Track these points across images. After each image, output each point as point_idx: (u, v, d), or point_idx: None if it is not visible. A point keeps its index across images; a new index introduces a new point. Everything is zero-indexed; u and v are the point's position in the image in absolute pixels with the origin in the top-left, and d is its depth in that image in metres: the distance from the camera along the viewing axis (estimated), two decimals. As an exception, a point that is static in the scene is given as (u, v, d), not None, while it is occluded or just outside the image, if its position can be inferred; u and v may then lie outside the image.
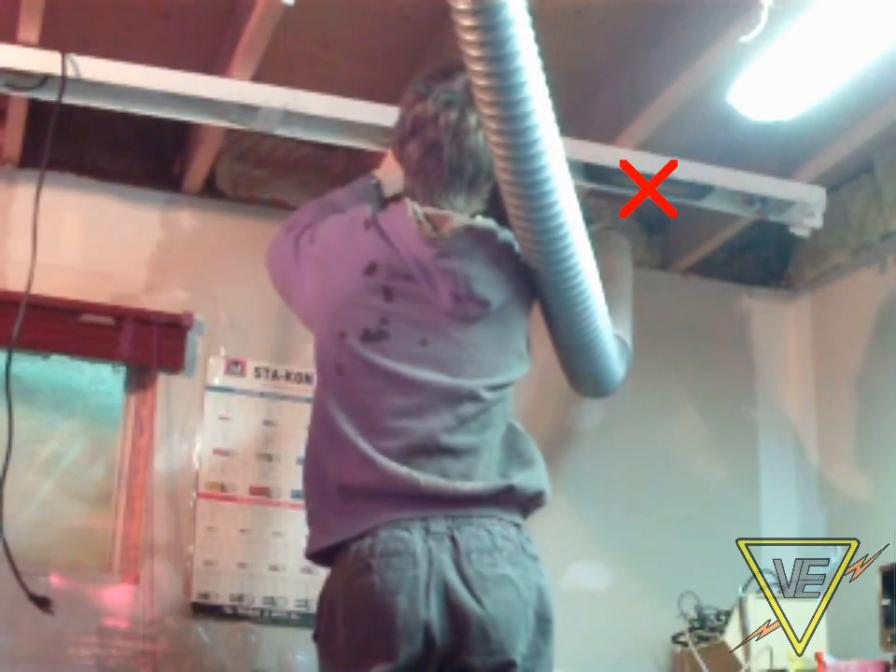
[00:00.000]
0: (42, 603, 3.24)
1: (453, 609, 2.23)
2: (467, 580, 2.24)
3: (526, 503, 2.48)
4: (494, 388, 2.43)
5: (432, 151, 2.42)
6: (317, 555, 2.42)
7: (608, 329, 3.00)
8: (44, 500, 3.86)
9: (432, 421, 2.33)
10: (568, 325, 2.71)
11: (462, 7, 2.03)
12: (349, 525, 2.30)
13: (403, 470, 2.28)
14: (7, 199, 3.86)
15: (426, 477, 2.29)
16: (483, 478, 2.38)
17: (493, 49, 2.06)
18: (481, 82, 2.13)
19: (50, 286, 3.72)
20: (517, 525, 2.42)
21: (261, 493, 3.96)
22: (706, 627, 3.76)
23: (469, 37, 2.06)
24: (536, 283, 2.54)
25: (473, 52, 2.09)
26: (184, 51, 3.62)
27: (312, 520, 2.43)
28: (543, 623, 2.36)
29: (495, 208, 2.53)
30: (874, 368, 4.23)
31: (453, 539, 2.27)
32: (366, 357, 2.35)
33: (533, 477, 2.49)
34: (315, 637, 2.42)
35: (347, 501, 2.32)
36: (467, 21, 2.05)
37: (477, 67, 2.11)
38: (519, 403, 4.28)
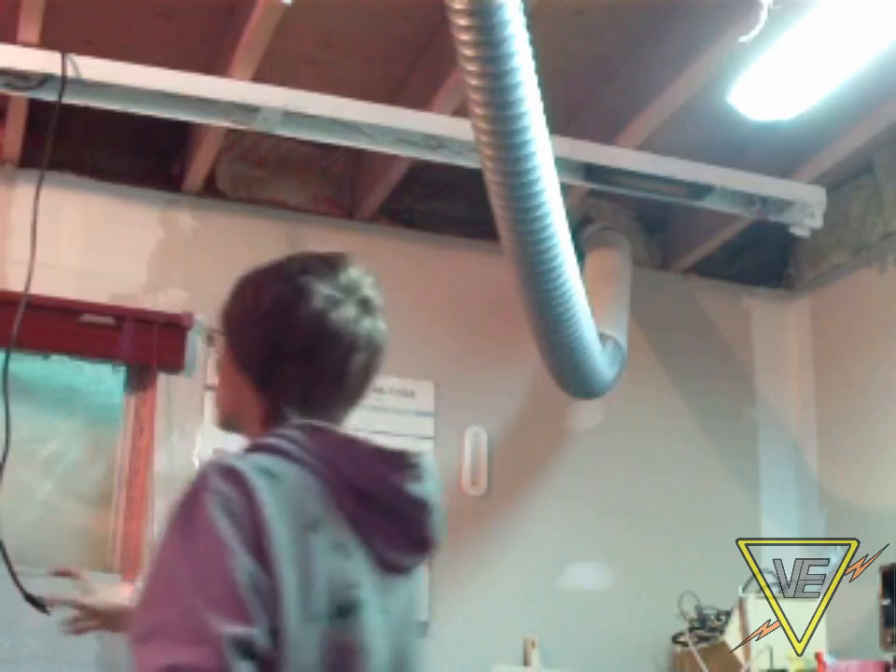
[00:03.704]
0: (38, 603, 3.24)
1: None
2: None
3: None
4: None
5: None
6: None
7: (591, 330, 3.01)
8: (44, 500, 3.86)
9: None
10: (551, 324, 2.71)
11: (458, 7, 2.03)
12: None
13: None
14: (7, 199, 3.87)
15: None
16: None
17: (488, 49, 2.06)
18: (474, 82, 2.13)
19: (50, 286, 3.72)
20: None
21: (261, 493, 3.95)
22: (706, 627, 3.76)
23: (465, 37, 2.06)
24: (518, 285, 2.53)
25: (468, 52, 2.09)
26: (184, 51, 3.62)
27: None
28: None
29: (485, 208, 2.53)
30: (873, 367, 4.22)
31: None
32: None
33: None
34: None
35: None
36: (463, 21, 2.05)
37: (471, 67, 2.11)
38: (518, 403, 4.32)
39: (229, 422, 1.91)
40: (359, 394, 1.82)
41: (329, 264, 1.81)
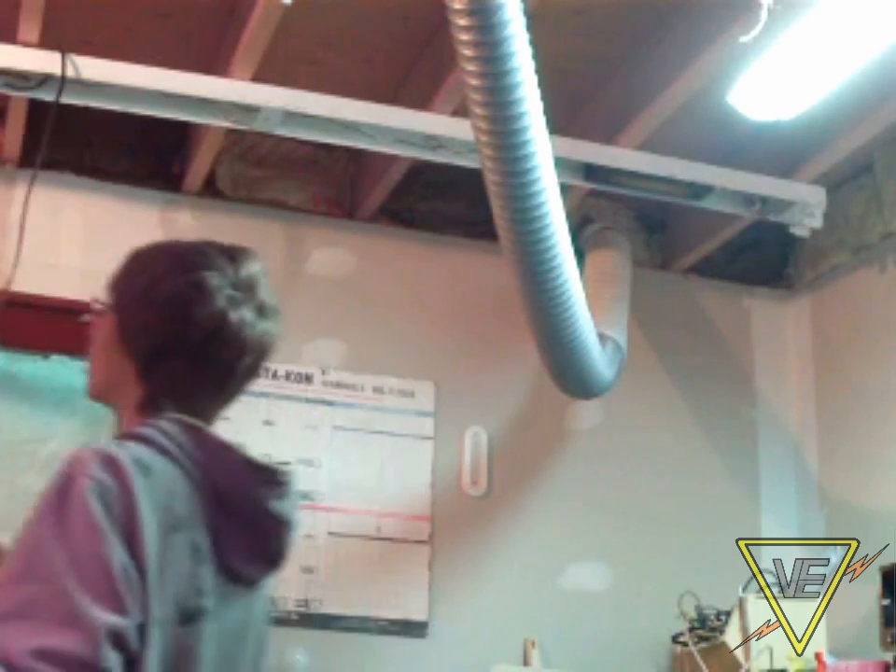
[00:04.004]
0: None
1: None
2: None
3: None
4: None
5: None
6: None
7: (590, 330, 3.01)
8: (44, 500, 3.86)
9: None
10: (550, 324, 2.71)
11: (458, 7, 2.03)
12: None
13: None
14: (7, 199, 3.86)
15: None
16: None
17: (488, 49, 2.05)
18: (474, 82, 2.13)
19: (50, 286, 3.72)
20: None
21: (261, 493, 3.95)
22: (706, 627, 3.76)
23: (465, 37, 2.06)
24: (518, 285, 2.52)
25: (468, 52, 2.09)
26: (184, 51, 3.62)
27: None
28: None
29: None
30: (873, 368, 4.22)
31: None
32: None
33: None
34: None
35: None
36: (463, 21, 2.05)
37: (471, 67, 2.11)
38: (518, 403, 4.32)
39: (101, 394, 1.86)
40: (238, 393, 1.80)
41: (231, 259, 1.76)
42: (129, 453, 1.60)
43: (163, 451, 1.65)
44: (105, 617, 1.48)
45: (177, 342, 1.70)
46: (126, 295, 1.76)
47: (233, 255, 1.77)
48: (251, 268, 1.76)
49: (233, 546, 1.69)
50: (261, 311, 1.76)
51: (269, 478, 1.74)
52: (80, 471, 1.56)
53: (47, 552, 1.52)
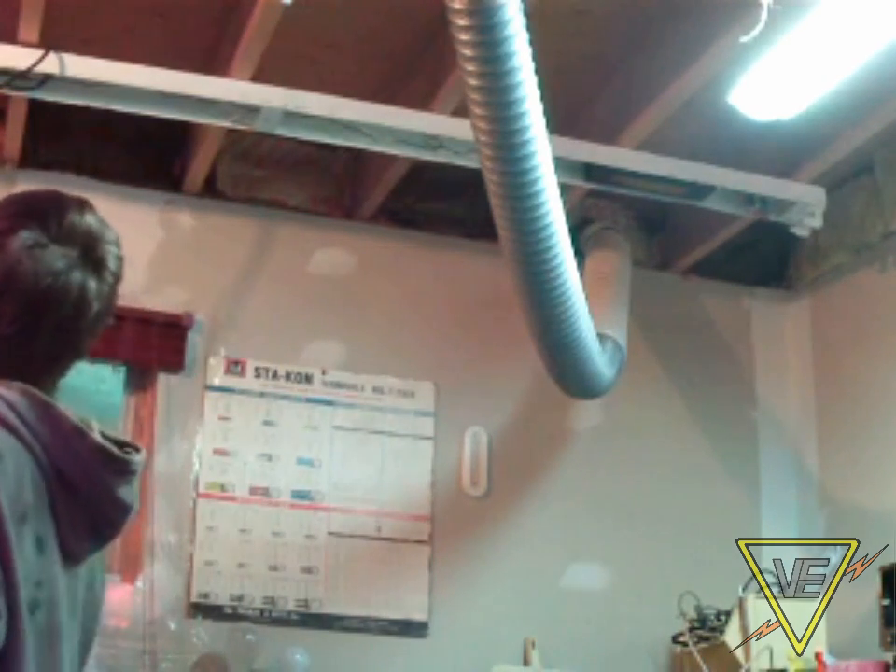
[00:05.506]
0: None
1: None
2: None
3: None
4: None
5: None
6: None
7: (590, 330, 3.01)
8: (44, 500, 3.86)
9: None
10: (550, 324, 2.70)
11: (458, 7, 2.03)
12: None
13: None
14: (7, 199, 3.86)
15: None
16: None
17: (488, 49, 2.05)
18: (474, 82, 2.13)
19: (50, 286, 3.72)
20: None
21: (261, 493, 3.96)
22: (706, 627, 3.76)
23: (465, 37, 2.06)
24: (517, 285, 2.51)
25: (468, 52, 2.09)
26: (184, 51, 3.62)
27: None
28: None
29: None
30: (873, 368, 4.22)
31: None
32: None
33: None
34: None
35: None
36: (463, 21, 2.05)
37: (471, 67, 2.11)
38: (518, 403, 4.32)
39: None
40: (65, 357, 1.66)
41: (59, 207, 1.64)
42: None
43: (10, 428, 1.51)
44: None
45: None
46: None
47: (63, 204, 1.66)
48: (77, 218, 1.65)
49: (74, 531, 1.60)
50: (81, 262, 1.63)
51: (120, 467, 1.64)
52: None
53: None
